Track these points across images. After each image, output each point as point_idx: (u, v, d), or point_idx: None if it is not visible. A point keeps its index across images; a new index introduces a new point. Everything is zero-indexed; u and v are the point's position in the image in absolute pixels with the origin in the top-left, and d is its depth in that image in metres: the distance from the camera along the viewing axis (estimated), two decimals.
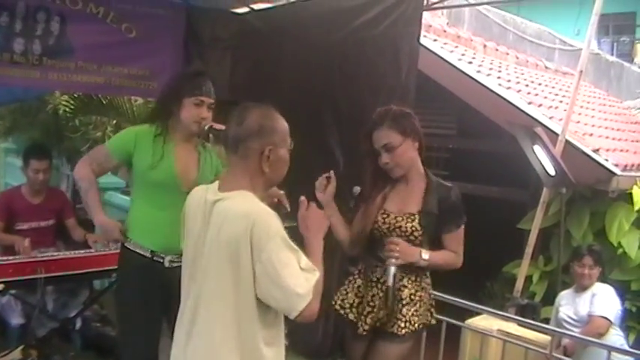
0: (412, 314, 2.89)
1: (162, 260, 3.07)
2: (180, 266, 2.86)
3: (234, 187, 2.10)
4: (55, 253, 4.25)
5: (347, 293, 3.04)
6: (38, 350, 3.99)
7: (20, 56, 4.26)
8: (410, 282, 2.91)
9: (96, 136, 8.28)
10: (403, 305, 2.88)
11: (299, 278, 1.99)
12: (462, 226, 2.92)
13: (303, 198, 2.29)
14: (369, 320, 2.93)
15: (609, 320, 4.40)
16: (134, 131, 3.19)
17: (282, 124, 2.21)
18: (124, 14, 4.61)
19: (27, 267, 3.94)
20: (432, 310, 3.04)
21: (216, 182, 2.20)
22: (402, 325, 2.87)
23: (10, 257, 4.05)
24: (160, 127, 3.12)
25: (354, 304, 3.00)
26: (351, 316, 2.99)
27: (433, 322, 3.06)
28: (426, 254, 2.84)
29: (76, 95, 7.34)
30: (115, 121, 8.12)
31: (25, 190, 4.61)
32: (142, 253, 3.07)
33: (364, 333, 2.94)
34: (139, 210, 3.17)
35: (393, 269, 2.82)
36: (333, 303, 3.07)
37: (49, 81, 4.47)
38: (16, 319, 4.33)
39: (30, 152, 4.65)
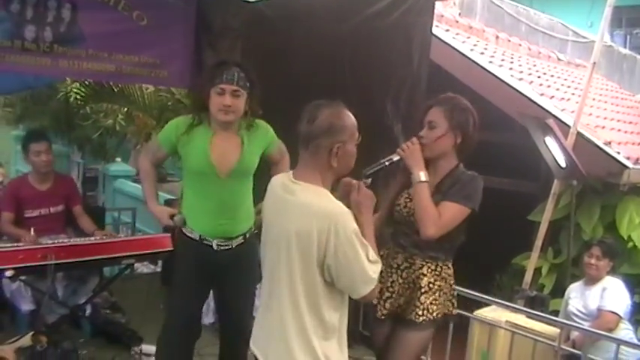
0: (431, 302, 2.88)
1: (210, 244, 3.23)
2: (228, 249, 3.24)
3: (306, 178, 2.28)
4: (65, 240, 4.28)
5: None
6: (48, 336, 4.00)
7: (31, 44, 4.25)
8: (429, 271, 2.90)
9: (107, 124, 8.32)
10: (422, 293, 2.88)
11: (368, 271, 2.23)
12: (460, 206, 2.79)
13: (355, 183, 2.42)
14: (387, 305, 2.96)
15: (619, 315, 4.37)
16: (175, 122, 3.30)
17: (351, 121, 2.35)
18: (135, 2, 4.59)
19: (37, 253, 3.95)
20: (454, 300, 3.02)
21: (290, 172, 2.38)
22: (420, 312, 2.87)
23: (21, 244, 4.07)
24: (196, 117, 3.22)
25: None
26: (374, 301, 2.98)
27: (455, 312, 3.03)
28: (425, 176, 2.80)
29: (87, 83, 7.38)
30: (125, 109, 8.15)
31: (32, 178, 4.61)
32: (193, 237, 3.24)
33: (382, 317, 2.98)
34: (187, 199, 3.34)
35: (391, 157, 2.87)
36: None
37: (59, 69, 4.47)
38: (26, 306, 4.34)
39: (27, 138, 4.68)
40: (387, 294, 2.97)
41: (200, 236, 3.22)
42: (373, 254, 2.26)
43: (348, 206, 2.32)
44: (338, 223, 2.16)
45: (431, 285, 2.89)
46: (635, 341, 4.56)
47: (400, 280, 2.95)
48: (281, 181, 2.37)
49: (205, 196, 3.23)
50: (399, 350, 2.97)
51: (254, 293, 3.47)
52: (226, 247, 3.24)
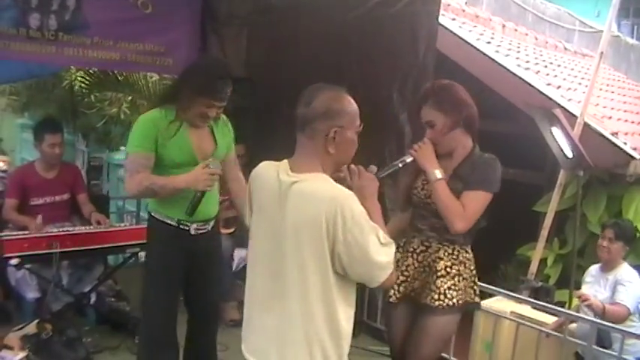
0: (448, 287, 2.81)
1: (187, 228, 3.18)
2: (204, 233, 3.21)
3: (308, 168, 2.15)
4: (71, 228, 4.29)
5: None
6: (53, 324, 4.02)
7: (36, 31, 4.25)
8: (446, 254, 2.84)
9: (111, 112, 8.31)
10: (437, 277, 2.82)
11: (381, 254, 2.10)
12: (482, 192, 2.76)
13: (354, 167, 2.30)
14: (401, 289, 2.93)
15: (629, 310, 4.24)
16: (149, 119, 3.14)
17: (352, 107, 2.23)
18: None
19: (42, 242, 3.97)
20: (476, 288, 2.93)
21: (286, 162, 2.21)
22: (436, 297, 2.80)
23: (26, 232, 4.08)
24: (170, 111, 3.13)
25: None
26: None
27: (477, 300, 2.94)
28: (440, 174, 2.75)
29: (91, 71, 7.37)
30: (130, 98, 8.14)
31: (39, 166, 4.61)
32: (169, 222, 3.18)
33: (396, 301, 2.94)
34: None
35: (404, 158, 2.82)
36: None
37: (64, 56, 4.47)
38: (31, 294, 4.36)
39: (43, 127, 4.64)
40: (402, 277, 2.93)
41: (178, 221, 3.16)
42: (385, 236, 2.13)
43: None
44: (344, 207, 2.04)
45: (448, 269, 2.83)
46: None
47: (416, 264, 2.92)
48: (275, 172, 2.20)
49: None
50: (418, 337, 2.90)
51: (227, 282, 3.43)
52: (203, 231, 3.21)
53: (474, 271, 2.92)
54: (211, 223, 3.29)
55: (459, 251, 2.87)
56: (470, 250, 2.92)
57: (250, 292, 2.31)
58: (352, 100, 2.25)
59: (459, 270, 2.84)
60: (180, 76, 3.31)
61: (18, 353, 3.54)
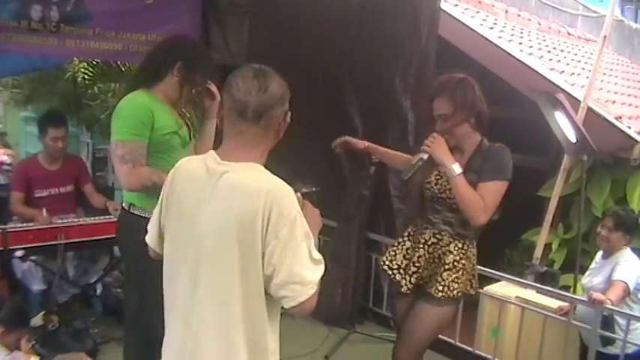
0: (452, 280, 2.89)
1: None
2: None
3: (243, 157, 1.90)
4: (75, 220, 4.30)
5: (395, 255, 3.08)
6: (59, 316, 4.04)
7: (38, 23, 4.23)
8: (456, 249, 2.91)
9: (114, 104, 8.31)
10: (445, 270, 2.89)
11: (308, 268, 1.82)
12: (498, 182, 2.79)
13: (299, 194, 2.01)
14: (413, 280, 3.00)
15: (626, 284, 4.18)
16: (142, 103, 2.86)
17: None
18: None
19: (47, 233, 3.98)
20: (474, 281, 3.02)
21: (212, 152, 1.97)
22: (440, 288, 2.88)
23: (31, 223, 4.09)
24: (151, 94, 2.92)
25: (402, 266, 3.05)
26: (398, 277, 3.04)
27: (472, 292, 3.03)
28: (459, 168, 2.76)
29: (94, 62, 7.35)
30: None
31: (42, 158, 4.61)
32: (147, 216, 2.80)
33: (408, 292, 3.02)
34: None
35: (421, 156, 2.83)
36: (382, 263, 3.15)
37: (66, 48, 4.45)
38: (37, 285, 4.38)
39: (47, 120, 4.65)
40: (414, 268, 3.01)
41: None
42: (317, 253, 1.86)
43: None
44: (282, 201, 1.81)
45: (456, 263, 2.90)
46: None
47: (426, 255, 2.98)
48: (201, 165, 1.94)
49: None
50: (414, 321, 3.00)
51: None
52: None
53: (475, 265, 3.01)
54: None
55: (468, 246, 2.94)
56: (475, 246, 2.99)
57: (171, 304, 2.02)
58: None
59: (464, 264, 2.92)
60: (171, 52, 3.02)
61: (30, 357, 3.52)
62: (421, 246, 3.00)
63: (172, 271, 2.00)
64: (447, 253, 2.91)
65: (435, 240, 2.96)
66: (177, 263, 1.97)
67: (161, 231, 2.09)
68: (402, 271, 3.04)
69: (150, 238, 2.16)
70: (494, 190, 2.79)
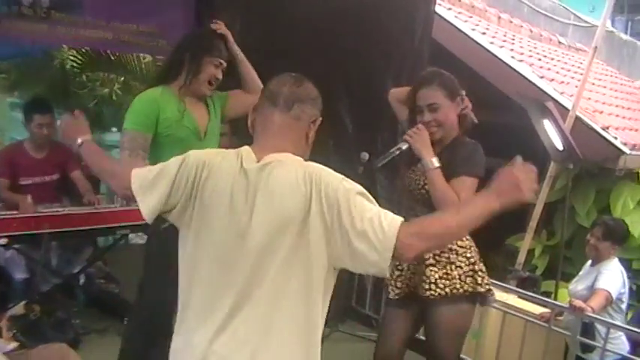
0: (440, 277, 2.75)
1: None
2: None
3: (279, 149, 1.86)
4: (60, 209, 4.24)
5: None
6: (41, 305, 4.00)
7: (28, 9, 4.20)
8: None
9: (103, 93, 8.25)
10: (426, 266, 2.77)
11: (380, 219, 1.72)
12: (466, 177, 2.68)
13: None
14: (398, 284, 2.89)
15: (608, 293, 4.21)
16: (151, 98, 2.98)
17: None
18: None
19: (31, 222, 3.94)
20: (477, 277, 2.81)
21: (246, 148, 1.89)
22: (426, 287, 2.75)
23: (15, 211, 4.04)
24: (167, 90, 3.03)
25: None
26: (385, 282, 2.98)
27: (480, 289, 2.80)
28: (437, 162, 2.67)
29: (84, 50, 7.31)
30: (122, 78, 8.08)
31: (28, 145, 4.56)
32: None
33: (396, 297, 2.90)
34: None
35: (400, 146, 2.74)
36: None
37: (56, 35, 4.42)
38: (19, 274, 4.33)
39: (32, 107, 4.59)
40: (397, 272, 2.89)
41: None
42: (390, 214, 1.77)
43: None
44: (325, 178, 1.77)
45: (437, 257, 2.77)
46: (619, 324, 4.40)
47: None
48: (233, 161, 1.86)
49: None
50: (428, 333, 2.87)
51: None
52: None
53: (474, 259, 2.84)
54: None
55: None
56: (466, 238, 2.83)
57: (200, 308, 1.91)
58: None
59: (449, 258, 2.77)
60: (179, 48, 3.19)
61: (9, 343, 3.48)
62: None
63: (205, 274, 1.89)
64: None
65: None
66: (205, 262, 1.88)
67: (163, 208, 1.97)
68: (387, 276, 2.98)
69: (145, 204, 2.01)
70: (467, 185, 2.66)
